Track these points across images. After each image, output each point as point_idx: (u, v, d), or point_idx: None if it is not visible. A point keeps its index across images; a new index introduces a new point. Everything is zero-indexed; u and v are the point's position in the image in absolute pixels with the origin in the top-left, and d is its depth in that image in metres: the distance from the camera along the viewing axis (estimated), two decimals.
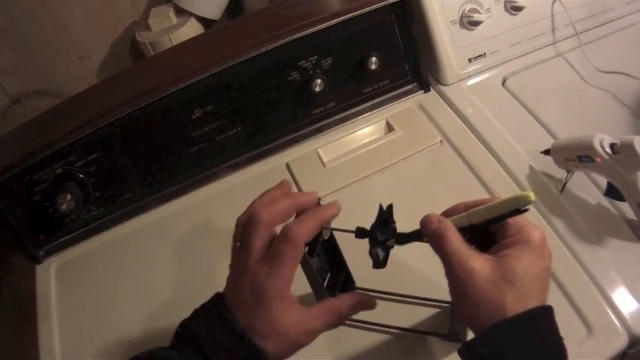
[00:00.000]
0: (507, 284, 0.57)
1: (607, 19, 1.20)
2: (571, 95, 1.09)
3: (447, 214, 0.66)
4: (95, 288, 0.95)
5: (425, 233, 0.63)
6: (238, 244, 0.66)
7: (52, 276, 0.98)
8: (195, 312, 0.63)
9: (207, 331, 0.60)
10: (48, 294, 0.95)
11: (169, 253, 0.96)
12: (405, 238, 0.67)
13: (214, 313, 0.62)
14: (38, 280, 0.98)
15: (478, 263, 0.58)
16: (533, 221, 0.85)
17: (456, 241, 0.60)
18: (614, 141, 0.83)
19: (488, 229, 0.63)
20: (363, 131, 1.08)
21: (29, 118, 1.06)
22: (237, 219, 0.67)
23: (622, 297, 0.79)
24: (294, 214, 0.67)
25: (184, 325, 0.63)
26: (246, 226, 0.64)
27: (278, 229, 0.64)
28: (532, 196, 0.58)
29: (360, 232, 0.69)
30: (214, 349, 0.59)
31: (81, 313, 0.92)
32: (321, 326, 0.63)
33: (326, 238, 0.72)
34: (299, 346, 0.62)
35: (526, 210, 0.59)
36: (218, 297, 0.64)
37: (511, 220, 0.61)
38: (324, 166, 1.02)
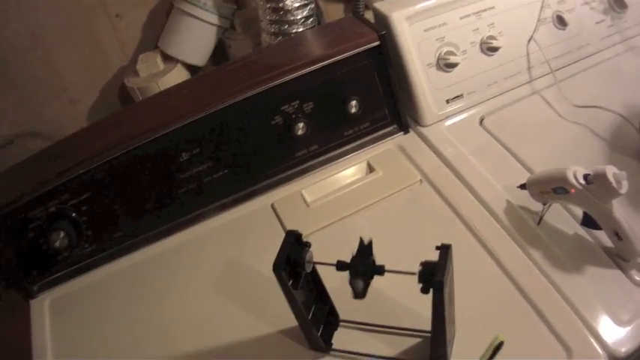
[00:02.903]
0: None
1: (582, 55, 1.23)
2: (548, 131, 1.11)
3: None
4: (88, 323, 0.95)
5: None
6: None
7: (46, 311, 0.98)
8: None
9: None
10: (43, 328, 0.96)
11: (160, 290, 0.97)
12: None
13: None
14: (33, 314, 0.98)
15: None
16: (512, 252, 0.89)
17: None
18: (587, 172, 0.84)
19: None
20: (345, 172, 1.10)
21: (22, 159, 1.08)
22: None
23: (601, 320, 0.81)
24: None
25: None
26: None
27: None
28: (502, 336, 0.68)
29: (340, 265, 0.71)
30: None
31: (75, 347, 0.92)
32: None
33: (308, 271, 0.75)
34: None
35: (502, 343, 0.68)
36: None
37: None
38: (308, 206, 1.04)
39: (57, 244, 0.95)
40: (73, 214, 0.99)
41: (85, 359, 0.90)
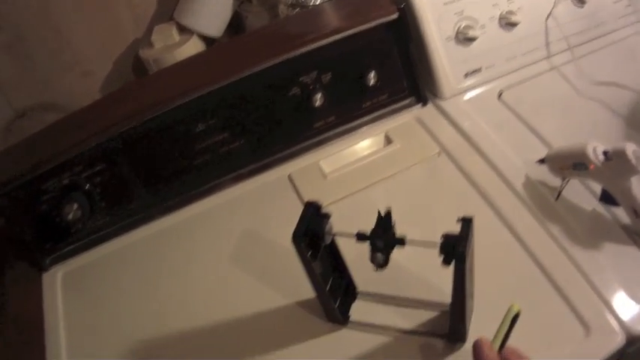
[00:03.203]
0: None
1: (600, 34, 1.23)
2: (566, 107, 1.11)
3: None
4: (101, 296, 0.96)
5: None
6: None
7: (58, 283, 0.99)
8: None
9: None
10: (55, 301, 0.96)
11: (174, 262, 0.98)
12: None
13: None
14: (45, 287, 0.99)
15: None
16: (530, 227, 0.89)
17: None
18: (606, 148, 0.85)
19: None
20: (363, 144, 1.10)
21: (35, 131, 1.08)
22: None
23: (618, 298, 0.81)
24: None
25: None
26: None
27: None
28: (517, 306, 0.67)
29: (360, 236, 0.72)
30: None
31: (88, 319, 0.93)
32: None
33: (327, 242, 0.75)
34: None
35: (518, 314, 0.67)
36: None
37: None
38: (325, 177, 1.04)
39: (70, 216, 0.95)
40: (87, 186, 0.99)
41: (97, 332, 0.91)
